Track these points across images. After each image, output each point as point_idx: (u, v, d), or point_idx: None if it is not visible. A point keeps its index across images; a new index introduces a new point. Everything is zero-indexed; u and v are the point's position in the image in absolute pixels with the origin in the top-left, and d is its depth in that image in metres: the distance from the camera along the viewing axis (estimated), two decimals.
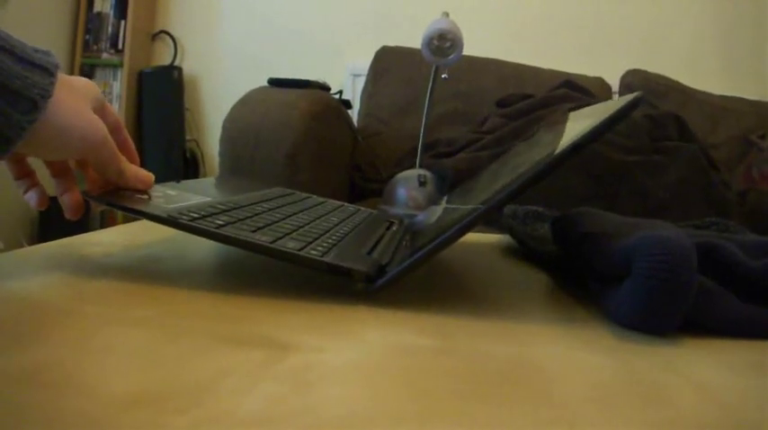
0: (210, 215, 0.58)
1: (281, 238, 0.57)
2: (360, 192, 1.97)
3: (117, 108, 3.29)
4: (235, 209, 0.64)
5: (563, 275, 0.73)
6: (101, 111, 0.57)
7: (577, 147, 0.50)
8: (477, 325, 0.51)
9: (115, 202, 0.57)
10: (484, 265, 0.81)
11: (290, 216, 0.70)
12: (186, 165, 3.32)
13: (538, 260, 0.80)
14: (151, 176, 0.62)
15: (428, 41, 1.38)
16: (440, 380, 0.38)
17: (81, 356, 0.37)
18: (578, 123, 0.63)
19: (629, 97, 0.54)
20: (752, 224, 1.54)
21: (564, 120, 0.78)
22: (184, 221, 0.54)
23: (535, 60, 2.59)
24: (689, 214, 1.25)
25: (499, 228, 0.99)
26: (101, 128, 0.55)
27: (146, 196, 0.61)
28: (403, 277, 0.54)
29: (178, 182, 0.72)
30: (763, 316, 0.53)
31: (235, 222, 0.58)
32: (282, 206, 0.76)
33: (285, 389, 0.35)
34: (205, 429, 0.29)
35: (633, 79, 2.59)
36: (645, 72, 2.60)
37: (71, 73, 3.25)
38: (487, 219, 0.53)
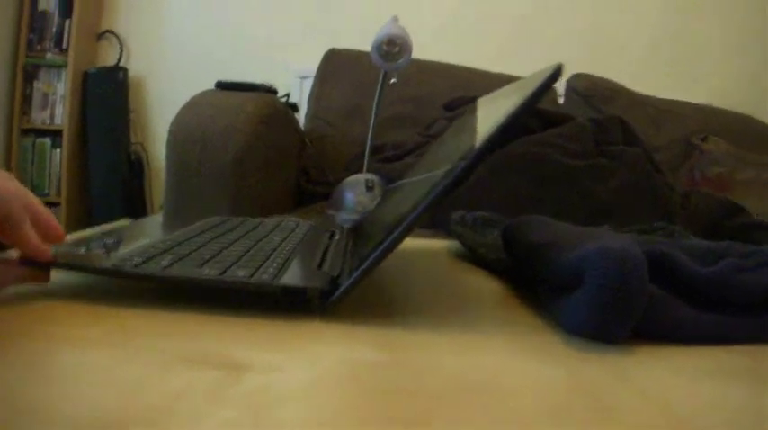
0: (154, 257, 0.58)
1: (229, 268, 0.57)
2: (307, 196, 1.96)
3: (61, 109, 3.24)
4: (176, 246, 0.64)
5: (514, 283, 0.73)
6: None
7: (512, 118, 0.50)
8: (430, 337, 0.52)
9: (58, 262, 0.56)
10: (435, 274, 0.81)
11: (232, 243, 0.70)
12: (131, 168, 3.29)
13: (488, 267, 0.81)
14: (47, 251, 0.55)
15: (377, 46, 1.38)
16: (393, 397, 0.38)
17: (30, 381, 0.37)
18: (496, 105, 0.63)
19: (548, 70, 0.53)
20: (695, 225, 1.57)
21: (474, 110, 0.77)
22: (128, 269, 0.54)
23: (484, 64, 2.61)
24: (635, 217, 1.27)
25: (448, 234, 0.99)
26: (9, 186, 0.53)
27: (83, 249, 0.61)
28: (356, 287, 0.54)
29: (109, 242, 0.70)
30: (710, 322, 0.54)
31: (180, 260, 0.58)
32: (222, 234, 0.76)
33: (240, 414, 0.34)
34: None
35: (579, 83, 2.61)
36: (590, 76, 2.63)
37: (14, 72, 3.20)
38: (430, 215, 0.53)
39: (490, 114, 0.61)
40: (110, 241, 0.66)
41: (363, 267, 0.53)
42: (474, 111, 0.75)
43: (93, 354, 0.41)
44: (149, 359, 0.41)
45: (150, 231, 0.83)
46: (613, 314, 0.50)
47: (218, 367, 0.41)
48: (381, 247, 0.53)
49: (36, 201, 0.56)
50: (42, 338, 0.44)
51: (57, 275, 0.57)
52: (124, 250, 0.62)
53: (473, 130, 0.61)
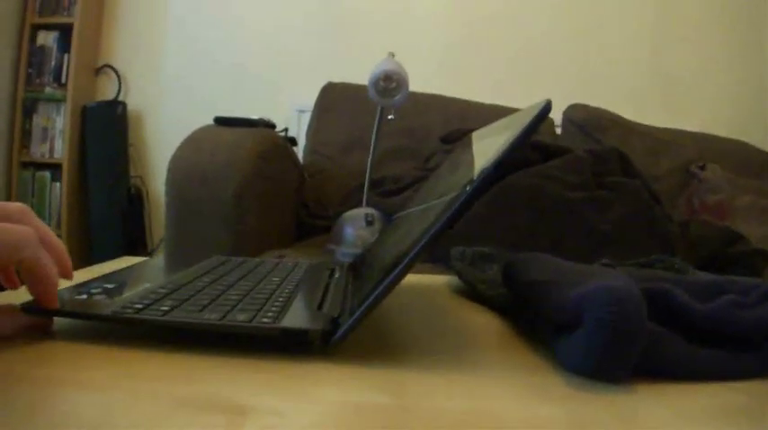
0: (154, 302, 0.58)
1: (229, 312, 0.57)
2: (306, 230, 1.97)
3: (60, 143, 3.25)
4: (176, 290, 0.64)
5: (514, 320, 0.73)
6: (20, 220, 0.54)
7: (502, 158, 0.50)
8: (431, 378, 0.51)
9: (57, 311, 0.56)
10: (435, 311, 0.81)
11: (232, 285, 0.70)
12: (131, 201, 3.29)
13: (488, 303, 0.80)
14: (54, 300, 0.55)
15: (374, 82, 1.40)
16: None
17: (30, 427, 0.36)
18: (488, 141, 0.64)
19: (537, 106, 0.54)
20: (695, 254, 1.57)
21: (469, 144, 0.77)
22: (129, 315, 0.54)
23: (479, 96, 2.62)
24: (634, 249, 1.27)
25: (447, 268, 0.99)
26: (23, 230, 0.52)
27: (84, 295, 0.61)
28: (357, 327, 0.54)
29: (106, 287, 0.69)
30: (709, 359, 0.54)
31: (180, 304, 0.58)
32: (222, 276, 0.76)
33: None
34: None
35: (575, 113, 2.62)
36: (587, 106, 2.64)
37: (13, 106, 3.21)
38: (429, 251, 0.53)
39: (483, 150, 0.61)
40: (110, 286, 0.66)
41: (364, 306, 0.53)
42: (469, 145, 0.76)
43: (95, 399, 0.41)
44: (151, 404, 0.41)
45: (151, 273, 0.83)
46: (614, 353, 0.50)
47: (221, 411, 0.40)
48: (381, 287, 0.52)
49: (50, 236, 0.56)
50: (42, 382, 0.44)
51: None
52: (125, 295, 0.62)
53: (469, 166, 0.61)
